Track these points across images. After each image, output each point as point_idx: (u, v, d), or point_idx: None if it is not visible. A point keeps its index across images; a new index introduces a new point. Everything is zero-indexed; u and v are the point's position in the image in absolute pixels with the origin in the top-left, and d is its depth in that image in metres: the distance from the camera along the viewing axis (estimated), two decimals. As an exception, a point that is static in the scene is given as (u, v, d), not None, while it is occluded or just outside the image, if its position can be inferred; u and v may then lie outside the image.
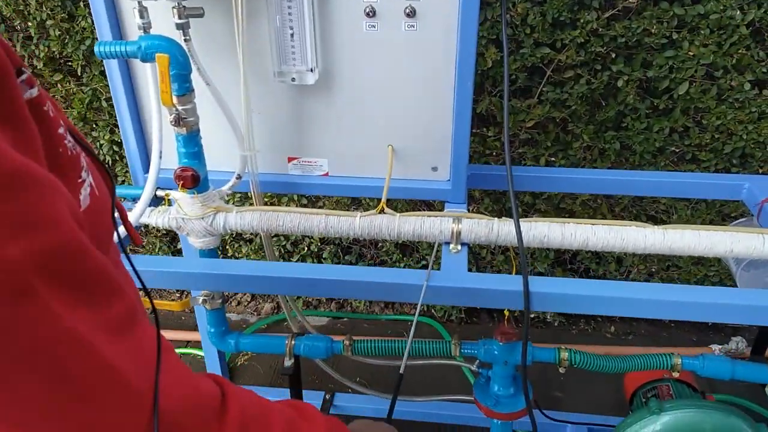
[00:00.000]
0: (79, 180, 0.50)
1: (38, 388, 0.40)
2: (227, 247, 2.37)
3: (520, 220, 1.12)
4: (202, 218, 1.21)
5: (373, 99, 1.24)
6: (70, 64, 1.96)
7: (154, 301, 1.36)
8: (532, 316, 2.19)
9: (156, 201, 1.31)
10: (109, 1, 1.19)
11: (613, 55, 1.69)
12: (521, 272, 1.03)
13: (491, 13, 1.65)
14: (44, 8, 1.85)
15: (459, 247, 1.16)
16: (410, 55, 1.17)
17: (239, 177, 1.28)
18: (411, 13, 1.12)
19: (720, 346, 1.99)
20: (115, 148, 2.09)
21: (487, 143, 1.88)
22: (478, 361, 1.33)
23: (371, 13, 1.13)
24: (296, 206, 2.11)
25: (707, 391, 1.43)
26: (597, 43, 1.65)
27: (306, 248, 2.30)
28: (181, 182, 1.15)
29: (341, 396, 1.89)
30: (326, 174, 1.35)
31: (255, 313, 2.52)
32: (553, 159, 1.89)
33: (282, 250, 2.32)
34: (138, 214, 1.18)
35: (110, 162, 2.13)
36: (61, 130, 0.48)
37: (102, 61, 1.46)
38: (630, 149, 1.83)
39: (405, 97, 1.22)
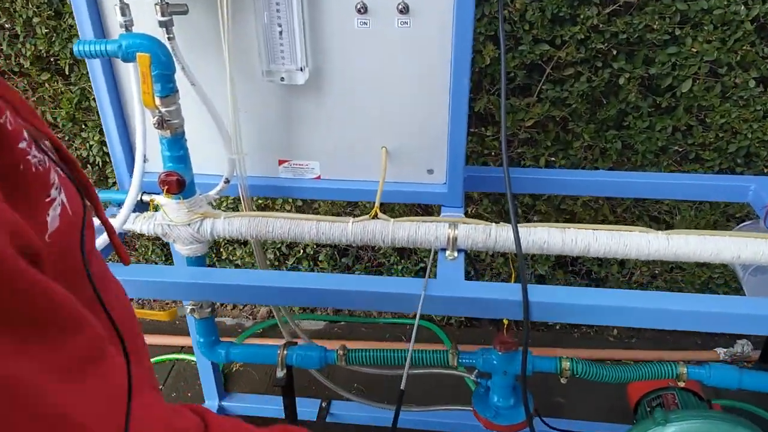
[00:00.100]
0: (47, 199, 0.44)
1: None
2: (221, 249, 2.33)
3: (519, 225, 1.07)
4: (189, 225, 1.16)
5: (365, 99, 1.19)
6: (57, 63, 1.91)
7: (139, 311, 1.32)
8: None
9: (143, 206, 1.27)
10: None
11: (615, 52, 1.64)
12: (520, 280, 0.99)
13: (488, 9, 1.61)
14: (30, 5, 1.80)
15: (456, 254, 1.12)
16: (404, 53, 1.13)
17: (227, 181, 1.24)
18: (404, 10, 1.07)
19: (725, 350, 1.96)
20: (105, 149, 2.04)
21: (486, 143, 1.84)
22: (477, 370, 1.28)
23: (363, 10, 1.09)
24: (291, 208, 2.06)
25: (712, 396, 1.39)
26: (598, 39, 1.61)
27: (302, 251, 2.26)
28: (166, 187, 1.10)
29: (338, 404, 1.85)
30: (318, 177, 1.30)
31: (251, 317, 2.48)
32: (553, 159, 1.84)
33: (277, 252, 2.28)
34: (122, 220, 1.14)
35: (100, 164, 2.08)
36: (22, 145, 0.43)
37: (89, 60, 1.42)
38: (632, 149, 1.79)
39: (399, 97, 1.18)
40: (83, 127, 2.03)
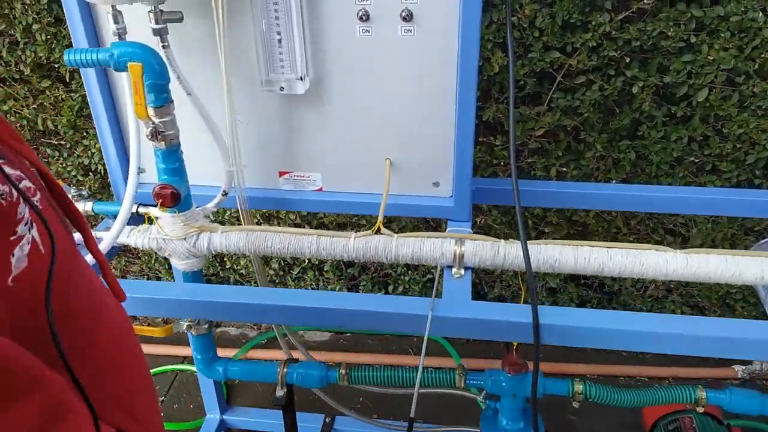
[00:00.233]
0: (13, 237, 0.40)
1: None
2: (225, 258, 2.28)
3: (529, 242, 1.02)
4: (185, 239, 1.12)
5: (368, 109, 1.14)
6: (58, 70, 1.88)
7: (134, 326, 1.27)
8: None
9: (140, 218, 1.23)
10: (84, 5, 1.10)
11: (628, 60, 1.59)
12: (530, 300, 0.94)
13: (497, 16, 1.56)
14: (30, 11, 1.77)
15: (462, 272, 1.07)
16: (407, 62, 1.08)
17: (225, 193, 1.20)
18: (408, 17, 1.02)
19: (743, 367, 1.89)
20: (107, 157, 2.01)
21: (495, 152, 1.78)
22: (484, 392, 1.23)
23: (365, 17, 1.04)
24: (296, 218, 2.02)
25: (732, 417, 1.33)
26: (610, 46, 1.56)
27: (307, 260, 2.21)
28: (160, 201, 1.06)
29: (342, 420, 1.80)
30: (320, 189, 1.26)
31: (255, 327, 2.43)
32: (564, 169, 1.79)
33: (282, 262, 2.23)
34: (114, 234, 1.09)
35: (102, 172, 2.05)
36: None
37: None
38: (646, 159, 1.73)
39: (403, 107, 1.13)
40: (85, 134, 2.00)
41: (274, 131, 1.19)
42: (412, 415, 0.99)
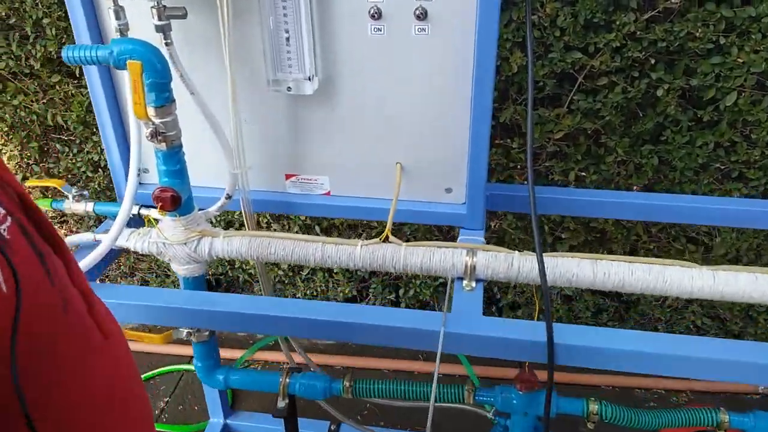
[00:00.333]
0: None
1: None
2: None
3: (545, 254, 0.96)
4: (185, 243, 1.08)
5: (379, 111, 1.09)
6: (68, 64, 1.85)
7: (130, 333, 1.23)
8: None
9: (141, 221, 1.19)
10: (87, 0, 1.07)
11: (653, 61, 1.52)
12: (544, 317, 0.88)
13: (516, 14, 1.50)
14: (40, 6, 1.75)
15: (473, 284, 1.01)
16: (421, 62, 1.03)
17: (229, 196, 1.15)
18: (422, 15, 0.97)
19: (765, 387, 1.82)
20: (116, 154, 1.98)
21: (511, 155, 1.73)
22: (494, 408, 1.17)
23: (377, 15, 0.99)
24: (306, 219, 1.97)
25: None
26: (634, 47, 1.49)
27: (316, 262, 2.17)
28: (160, 204, 1.02)
29: (348, 428, 1.75)
30: (328, 193, 1.21)
31: (263, 328, 2.40)
32: (583, 174, 1.73)
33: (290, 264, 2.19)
34: (113, 237, 1.06)
35: (111, 168, 2.02)
36: None
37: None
38: (669, 165, 1.66)
39: (415, 109, 1.08)
40: (94, 130, 1.97)
41: (280, 133, 1.15)
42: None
